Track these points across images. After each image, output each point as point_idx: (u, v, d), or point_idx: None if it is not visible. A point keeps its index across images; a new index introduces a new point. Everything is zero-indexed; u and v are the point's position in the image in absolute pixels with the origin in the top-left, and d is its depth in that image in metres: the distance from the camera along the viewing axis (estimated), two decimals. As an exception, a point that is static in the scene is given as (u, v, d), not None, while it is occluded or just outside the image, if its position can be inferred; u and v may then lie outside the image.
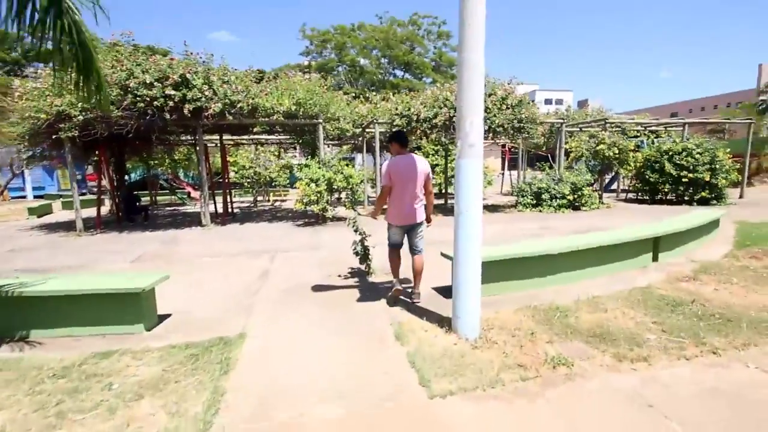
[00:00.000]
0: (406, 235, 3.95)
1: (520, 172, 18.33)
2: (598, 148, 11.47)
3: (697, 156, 11.75)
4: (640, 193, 13.55)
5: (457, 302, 2.99)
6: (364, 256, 4.69)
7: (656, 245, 4.99)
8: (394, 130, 4.75)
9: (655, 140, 15.43)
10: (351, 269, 5.16)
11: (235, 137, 13.65)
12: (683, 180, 11.82)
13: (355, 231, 4.62)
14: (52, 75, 8.84)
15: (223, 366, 2.67)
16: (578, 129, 15.24)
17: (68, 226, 9.82)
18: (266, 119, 9.28)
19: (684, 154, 12.02)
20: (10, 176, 23.07)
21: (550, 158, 14.60)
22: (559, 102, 56.23)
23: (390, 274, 4.37)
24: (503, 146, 22.46)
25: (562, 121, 11.51)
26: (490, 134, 9.82)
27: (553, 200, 10.96)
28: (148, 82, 7.91)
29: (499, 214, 10.51)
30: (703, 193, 11.73)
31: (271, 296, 4.13)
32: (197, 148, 9.74)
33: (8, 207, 16.87)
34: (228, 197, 11.75)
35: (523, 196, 11.58)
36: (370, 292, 4.26)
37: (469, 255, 2.82)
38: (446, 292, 4.07)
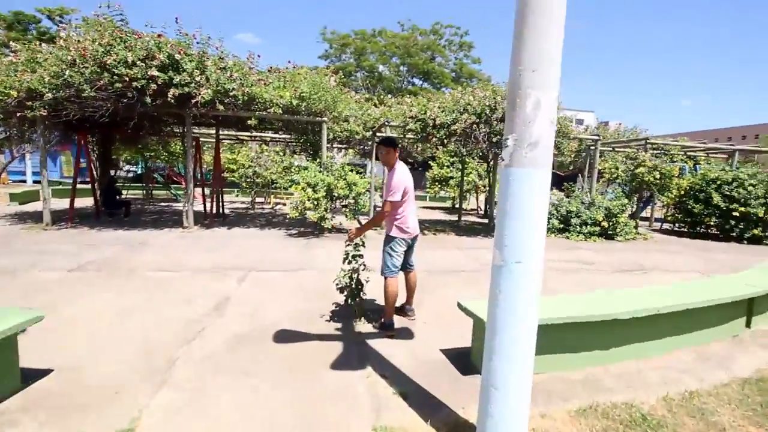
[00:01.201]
0: (405, 253, 3.51)
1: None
2: (637, 170, 10.11)
3: (750, 188, 10.31)
4: (678, 224, 12.10)
5: (490, 395, 1.74)
6: (355, 291, 3.47)
7: (750, 307, 3.67)
8: (385, 135, 3.77)
9: (696, 167, 13.97)
10: (336, 305, 3.94)
11: (237, 133, 12.65)
12: (733, 214, 10.38)
13: (349, 258, 3.44)
14: (27, 48, 8.03)
15: None
16: (611, 149, 13.90)
17: (40, 217, 8.82)
18: (264, 113, 8.20)
19: (735, 184, 10.58)
20: (9, 159, 22.54)
21: (580, 178, 13.26)
22: (580, 122, 54.57)
23: (374, 316, 3.17)
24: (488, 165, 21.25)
25: (596, 137, 10.23)
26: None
27: (583, 226, 9.62)
28: (129, 60, 6.89)
29: (521, 238, 9.21)
30: (756, 231, 10.26)
31: (213, 347, 2.91)
32: (185, 139, 8.69)
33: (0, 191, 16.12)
34: (220, 197, 10.68)
35: (548, 220, 10.26)
36: (353, 349, 3.02)
37: (518, 332, 1.59)
38: (463, 361, 2.82)
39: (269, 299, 4.05)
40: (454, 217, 13.75)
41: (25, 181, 22.03)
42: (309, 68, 9.10)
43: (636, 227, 10.59)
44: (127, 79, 6.91)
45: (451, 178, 16.02)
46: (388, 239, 3.34)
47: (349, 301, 3.52)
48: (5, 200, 12.83)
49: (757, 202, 10.25)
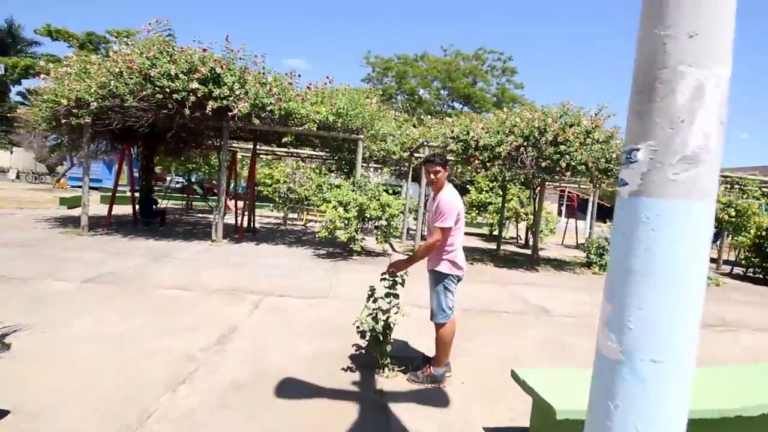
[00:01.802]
0: None
1: (588, 223, 15.75)
2: (709, 206, 8.91)
3: None
4: (754, 270, 10.55)
5: None
6: (381, 338, 2.89)
7: None
8: (433, 153, 4.05)
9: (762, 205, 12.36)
10: (357, 348, 3.36)
11: (274, 149, 12.67)
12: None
13: (375, 296, 2.92)
14: (80, 60, 8.37)
15: None
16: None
17: (80, 223, 9.00)
18: (300, 129, 7.98)
19: (826, 227, 9.11)
20: (69, 165, 24.20)
21: None
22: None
23: (401, 363, 2.58)
24: (562, 190, 19.93)
25: (660, 167, 9.19)
26: (568, 173, 7.78)
27: (643, 266, 8.50)
28: (172, 73, 6.93)
29: (570, 276, 8.26)
30: None
31: (200, 398, 2.39)
32: (221, 153, 8.63)
33: (55, 195, 17.10)
34: (252, 211, 10.55)
35: (600, 255, 9.22)
36: (371, 417, 2.41)
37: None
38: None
39: (281, 334, 3.54)
40: (492, 245, 12.88)
41: (81, 187, 23.43)
42: (350, 87, 8.89)
43: (705, 270, 9.26)
44: (168, 90, 6.93)
45: (490, 203, 15.20)
46: (439, 276, 2.79)
47: (371, 347, 2.93)
48: (56, 204, 13.48)
49: None
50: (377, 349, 2.91)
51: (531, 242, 14.61)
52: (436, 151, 9.25)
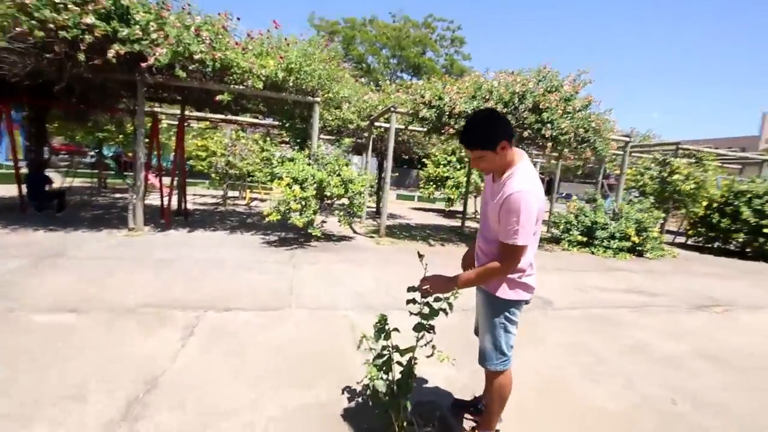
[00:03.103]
0: None
1: (553, 199, 15.77)
2: (673, 178, 8.92)
3: (783, 202, 9.31)
4: (695, 240, 11.08)
5: None
6: (400, 398, 1.85)
7: None
8: (480, 110, 1.77)
9: (718, 178, 13.07)
10: (350, 396, 2.31)
11: (207, 115, 10.70)
12: (764, 230, 9.37)
13: (417, 330, 1.86)
14: None
15: None
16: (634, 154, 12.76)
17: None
18: (240, 87, 6.41)
19: (766, 198, 9.58)
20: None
21: (605, 186, 12.04)
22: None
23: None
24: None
25: (627, 138, 8.97)
26: (550, 143, 7.15)
27: (611, 240, 8.33)
28: (57, 0, 5.02)
29: (543, 254, 7.82)
30: (791, 249, 9.26)
31: None
32: (136, 116, 6.79)
33: None
34: (183, 190, 8.79)
35: (568, 231, 8.93)
36: None
37: None
38: None
39: (231, 382, 2.37)
40: (453, 222, 12.33)
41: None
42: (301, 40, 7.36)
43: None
44: (53, 26, 5.04)
45: (449, 178, 14.57)
46: (499, 304, 1.79)
47: (382, 405, 1.89)
48: None
49: (791, 218, 9.26)
50: (391, 409, 1.89)
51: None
52: (405, 118, 8.14)
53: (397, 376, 1.87)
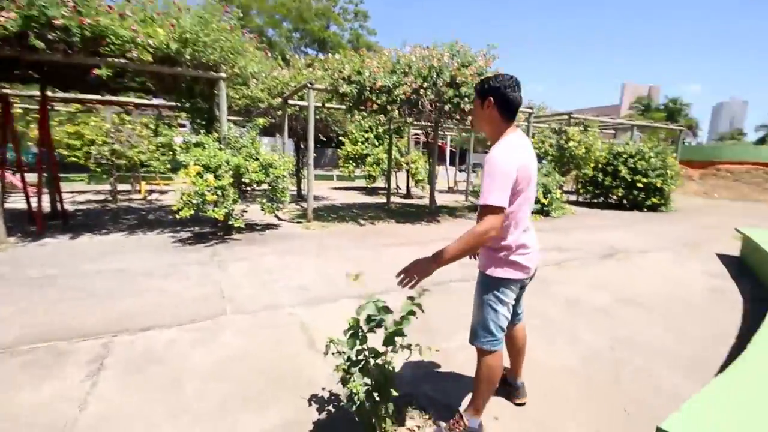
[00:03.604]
0: None
1: (468, 169, 16.64)
2: (569, 144, 9.96)
3: (652, 160, 11.12)
4: (588, 196, 12.78)
5: None
6: (380, 397, 1.65)
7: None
8: (493, 76, 1.73)
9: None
10: (317, 405, 2.05)
11: (79, 96, 8.83)
12: (637, 185, 11.13)
13: (367, 328, 1.63)
14: None
15: None
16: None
17: None
18: (122, 60, 5.31)
19: (638, 157, 11.34)
20: None
21: None
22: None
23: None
24: (428, 136, 20.64)
25: (530, 110, 9.72)
26: (470, 117, 7.35)
27: (524, 205, 9.09)
28: None
29: (466, 222, 8.20)
30: (654, 199, 11.17)
31: None
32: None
33: None
34: (56, 188, 7.21)
35: (487, 199, 9.50)
36: None
37: None
38: None
39: (168, 424, 1.95)
40: (377, 199, 12.34)
41: None
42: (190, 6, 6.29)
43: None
44: None
45: (368, 155, 14.45)
46: (491, 283, 1.76)
47: (363, 415, 1.68)
48: None
49: (655, 173, 11.12)
50: (375, 416, 1.69)
51: (413, 192, 14.66)
52: (323, 95, 7.65)
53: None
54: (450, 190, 15.80)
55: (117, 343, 2.69)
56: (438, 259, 1.60)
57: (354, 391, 1.53)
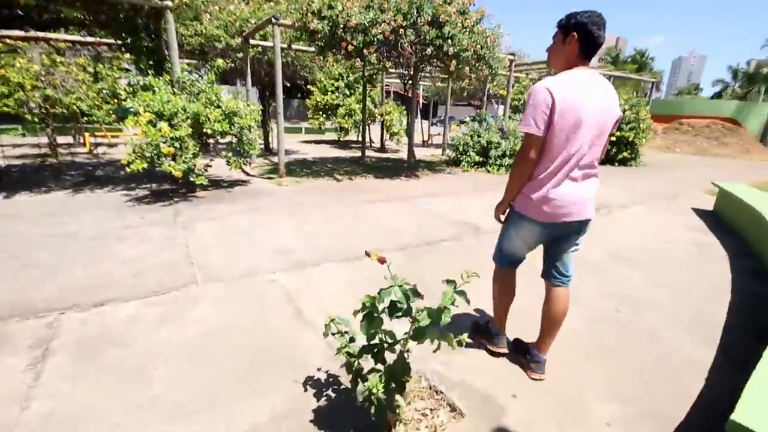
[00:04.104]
0: (549, 246, 1.90)
1: (445, 122, 16.17)
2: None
3: (626, 113, 11.12)
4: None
5: None
6: (392, 390, 1.39)
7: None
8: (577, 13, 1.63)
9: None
10: (314, 389, 1.79)
11: (5, 32, 7.41)
12: (610, 138, 11.18)
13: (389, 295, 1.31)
14: None
15: None
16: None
17: None
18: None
19: (611, 110, 11.30)
20: None
21: (495, 105, 12.49)
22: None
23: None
24: (405, 85, 19.74)
25: (512, 57, 9.24)
26: (453, 61, 6.81)
27: (503, 159, 8.91)
28: None
29: (451, 177, 7.94)
30: (625, 153, 11.33)
31: None
32: None
33: None
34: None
35: (465, 153, 9.23)
36: None
37: None
38: None
39: (135, 422, 1.63)
40: (350, 153, 11.78)
41: None
42: None
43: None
44: None
45: (339, 105, 13.61)
46: (512, 211, 1.88)
47: (373, 411, 1.42)
48: None
49: (628, 127, 11.18)
50: (389, 407, 1.44)
51: (387, 146, 14.11)
52: (290, 34, 6.80)
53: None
54: (424, 144, 15.38)
55: (65, 322, 2.28)
56: (503, 197, 1.85)
57: (374, 390, 1.26)
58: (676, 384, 1.94)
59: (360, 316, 1.34)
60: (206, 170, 5.75)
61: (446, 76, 9.79)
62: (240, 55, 8.50)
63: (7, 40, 8.52)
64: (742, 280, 3.25)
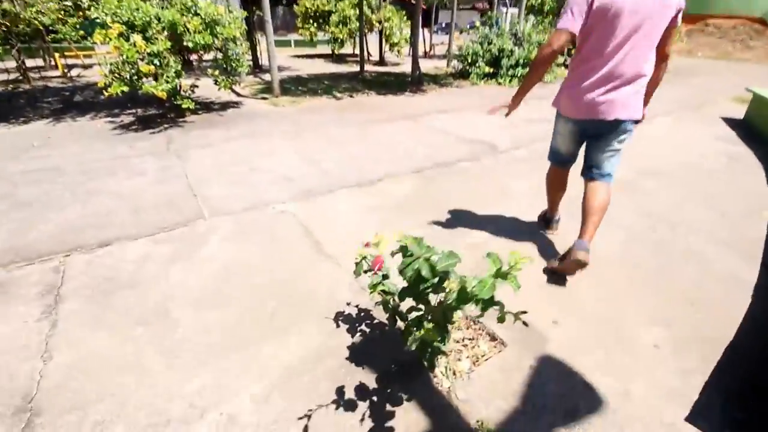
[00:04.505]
0: (586, 144, 1.98)
1: (451, 31, 14.77)
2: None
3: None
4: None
5: None
6: (435, 334, 1.26)
7: None
8: None
9: None
10: (347, 325, 1.70)
11: None
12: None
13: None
14: None
15: None
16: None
17: None
18: None
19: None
20: None
21: (503, 8, 11.12)
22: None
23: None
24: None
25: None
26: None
27: (516, 69, 8.18)
28: None
29: (459, 92, 7.35)
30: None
31: None
32: None
33: None
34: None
35: (474, 63, 8.46)
36: None
37: None
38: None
39: (165, 369, 1.54)
40: (347, 68, 10.85)
41: None
42: None
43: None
44: None
45: (331, 12, 12.20)
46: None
47: (422, 358, 1.31)
48: None
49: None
50: (425, 359, 1.33)
51: (387, 58, 12.94)
52: None
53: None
54: (426, 55, 14.15)
55: (72, 265, 2.13)
56: (517, 90, 1.92)
57: (428, 340, 1.12)
58: (721, 304, 1.86)
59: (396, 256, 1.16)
60: (193, 91, 5.25)
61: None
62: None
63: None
64: (781, 193, 3.07)
